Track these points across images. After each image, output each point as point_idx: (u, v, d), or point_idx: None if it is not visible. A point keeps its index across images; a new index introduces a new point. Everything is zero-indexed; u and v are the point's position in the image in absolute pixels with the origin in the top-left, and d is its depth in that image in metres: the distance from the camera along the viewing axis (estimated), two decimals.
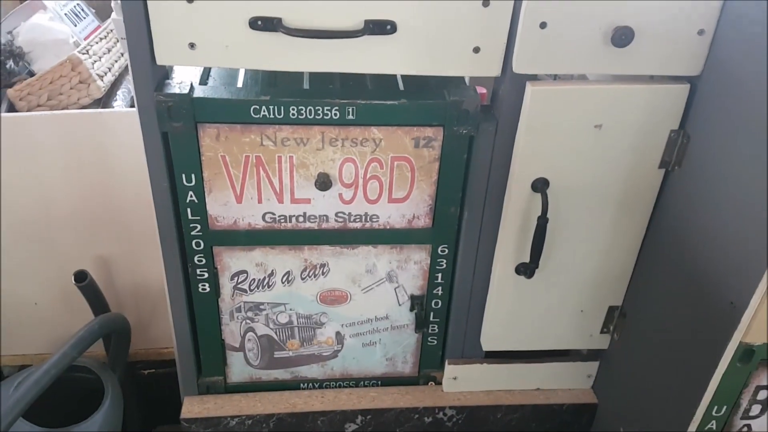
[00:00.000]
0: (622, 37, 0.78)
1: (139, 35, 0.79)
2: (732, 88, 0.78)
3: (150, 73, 0.82)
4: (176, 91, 0.84)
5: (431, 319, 1.10)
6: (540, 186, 0.91)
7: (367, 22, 0.80)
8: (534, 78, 0.85)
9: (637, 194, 0.93)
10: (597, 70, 0.84)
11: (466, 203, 0.98)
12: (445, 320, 1.11)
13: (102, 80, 1.20)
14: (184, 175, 0.91)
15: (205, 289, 1.02)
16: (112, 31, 1.29)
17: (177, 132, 0.86)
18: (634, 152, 0.89)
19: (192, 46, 0.80)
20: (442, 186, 0.96)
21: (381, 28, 0.81)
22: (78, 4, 1.33)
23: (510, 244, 0.98)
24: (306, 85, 0.93)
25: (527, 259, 0.97)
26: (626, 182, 0.92)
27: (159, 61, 0.81)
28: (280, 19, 0.79)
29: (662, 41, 0.81)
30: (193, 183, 0.91)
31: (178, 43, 0.80)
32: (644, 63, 0.82)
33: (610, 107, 0.86)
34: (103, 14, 1.41)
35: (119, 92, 1.26)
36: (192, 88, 0.85)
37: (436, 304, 1.09)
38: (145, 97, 0.84)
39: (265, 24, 0.79)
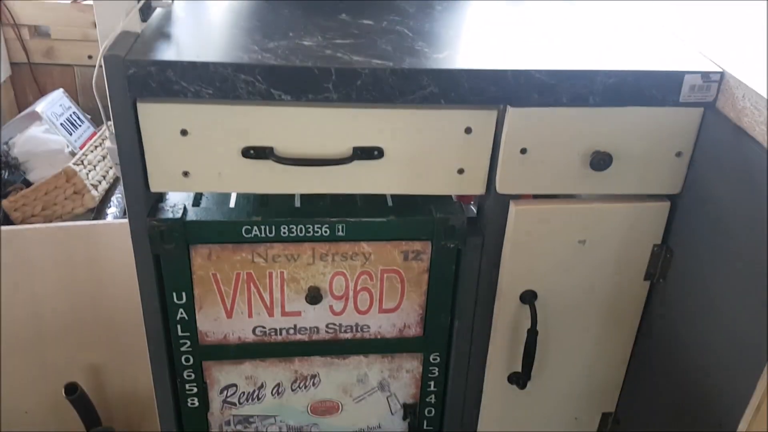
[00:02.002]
0: (600, 162, 0.81)
1: (134, 165, 0.81)
2: (710, 206, 0.81)
3: (143, 200, 0.84)
4: (169, 215, 0.86)
5: (425, 427, 1.09)
6: (528, 298, 0.92)
7: (355, 149, 0.83)
8: (518, 196, 0.88)
9: (624, 305, 0.95)
10: (578, 191, 0.86)
11: (456, 313, 0.99)
12: (439, 429, 1.10)
13: (96, 189, 1.22)
14: (174, 294, 0.91)
15: (194, 404, 1.01)
16: (106, 138, 1.32)
17: (169, 253, 0.88)
18: (618, 266, 0.91)
19: (186, 174, 0.83)
20: (432, 296, 0.97)
21: (369, 153, 0.84)
22: (74, 113, 1.37)
23: (501, 354, 0.98)
24: (297, 203, 0.95)
25: (519, 368, 0.97)
26: (613, 294, 0.93)
27: (153, 189, 0.84)
28: (271, 149, 0.82)
29: (641, 163, 0.84)
30: (184, 301, 0.92)
31: (172, 172, 0.82)
32: (623, 184, 0.85)
33: (593, 224, 0.88)
34: (98, 119, 1.45)
35: (114, 198, 1.28)
36: (185, 211, 0.87)
37: (430, 412, 1.08)
38: (138, 222, 0.85)
39: (257, 153, 0.82)
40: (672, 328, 0.90)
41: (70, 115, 1.35)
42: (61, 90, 1.41)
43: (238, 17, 0.90)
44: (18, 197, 1.17)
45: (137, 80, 0.75)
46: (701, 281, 0.83)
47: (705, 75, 0.78)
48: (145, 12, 0.83)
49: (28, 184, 1.24)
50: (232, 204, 0.93)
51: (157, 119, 0.79)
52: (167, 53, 0.77)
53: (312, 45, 0.83)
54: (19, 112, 1.53)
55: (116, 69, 0.75)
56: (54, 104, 1.34)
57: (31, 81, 1.54)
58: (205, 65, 0.75)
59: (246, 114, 0.80)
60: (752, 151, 0.72)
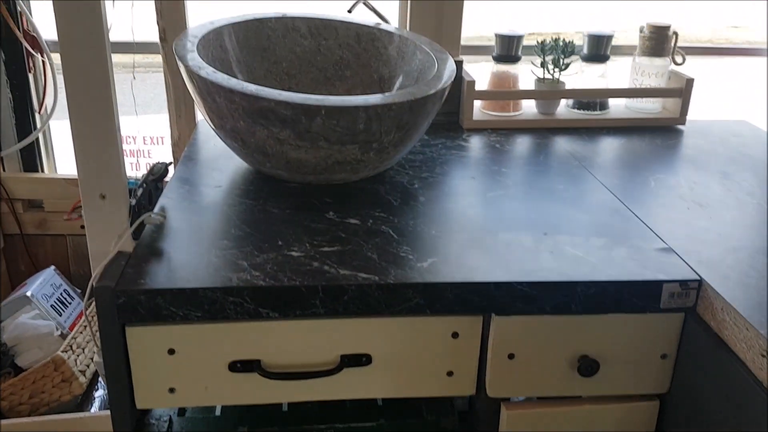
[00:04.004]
0: (587, 368, 0.82)
1: (120, 383, 0.81)
2: (697, 405, 0.80)
3: (129, 415, 0.83)
4: (155, 430, 0.84)
5: None
6: None
7: (343, 356, 0.83)
8: (509, 399, 0.87)
9: None
10: (566, 394, 0.86)
11: None
12: None
13: (84, 375, 1.21)
14: None
15: None
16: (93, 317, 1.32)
17: None
18: None
19: (172, 390, 0.82)
20: None
21: (356, 360, 0.84)
22: (65, 290, 1.38)
23: None
24: (285, 407, 0.94)
25: None
26: None
27: (139, 406, 0.83)
28: (258, 361, 0.82)
29: (627, 366, 0.84)
30: None
31: (158, 389, 0.82)
32: (612, 385, 0.85)
33: (586, 425, 0.87)
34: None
35: (101, 379, 1.27)
36: (171, 423, 0.86)
37: None
38: None
39: (244, 366, 0.82)
40: None
41: (61, 294, 1.36)
42: (53, 268, 1.43)
43: (229, 224, 0.93)
44: (6, 386, 1.15)
45: (127, 308, 0.76)
46: None
47: (683, 283, 0.80)
48: (138, 232, 0.85)
49: (16, 368, 1.22)
50: (218, 411, 0.92)
51: (145, 341, 0.79)
52: (157, 277, 0.78)
53: (300, 256, 0.85)
54: (11, 283, 1.54)
55: (106, 298, 0.76)
56: (45, 285, 1.35)
57: (23, 252, 1.56)
58: (194, 291, 0.77)
59: (233, 331, 0.80)
60: (734, 368, 0.73)
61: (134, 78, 1.11)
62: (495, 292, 0.80)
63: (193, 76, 0.97)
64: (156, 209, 0.95)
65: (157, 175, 0.90)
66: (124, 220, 0.82)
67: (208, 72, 0.96)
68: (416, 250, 0.88)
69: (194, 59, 1.01)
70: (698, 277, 0.80)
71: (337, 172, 1.04)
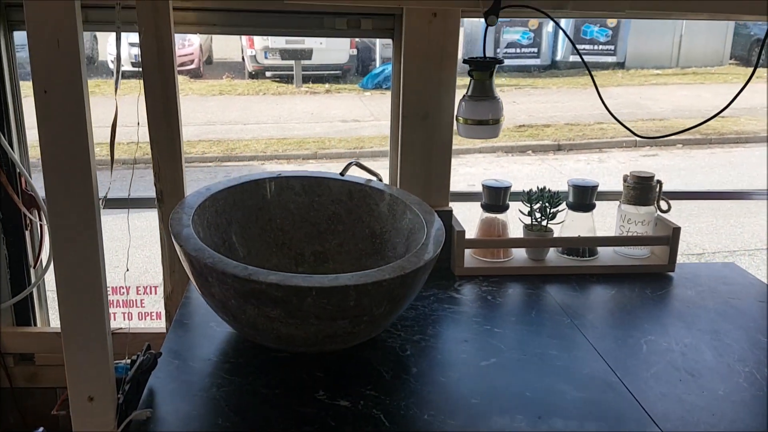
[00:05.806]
0: None
1: None
2: None
3: None
4: None
5: None
6: None
7: None
8: None
9: None
10: None
11: None
12: None
13: None
14: None
15: None
16: None
17: None
18: None
19: None
20: None
21: None
22: None
23: None
24: None
25: None
26: None
27: None
28: None
29: None
30: None
31: None
32: None
33: None
34: None
35: None
36: None
37: None
38: None
39: None
40: None
41: None
42: (41, 430, 1.39)
43: (216, 412, 0.92)
44: None
45: None
46: None
47: None
48: (125, 428, 0.84)
49: None
50: None
51: None
52: None
53: None
54: None
55: None
56: None
57: (13, 406, 1.53)
58: None
59: None
60: None
61: (130, 245, 1.13)
62: None
63: (187, 256, 0.99)
64: (144, 392, 0.94)
65: (145, 368, 0.90)
66: (111, 420, 0.81)
67: (202, 254, 0.98)
68: None
69: (189, 236, 1.03)
70: None
71: (328, 344, 1.04)
